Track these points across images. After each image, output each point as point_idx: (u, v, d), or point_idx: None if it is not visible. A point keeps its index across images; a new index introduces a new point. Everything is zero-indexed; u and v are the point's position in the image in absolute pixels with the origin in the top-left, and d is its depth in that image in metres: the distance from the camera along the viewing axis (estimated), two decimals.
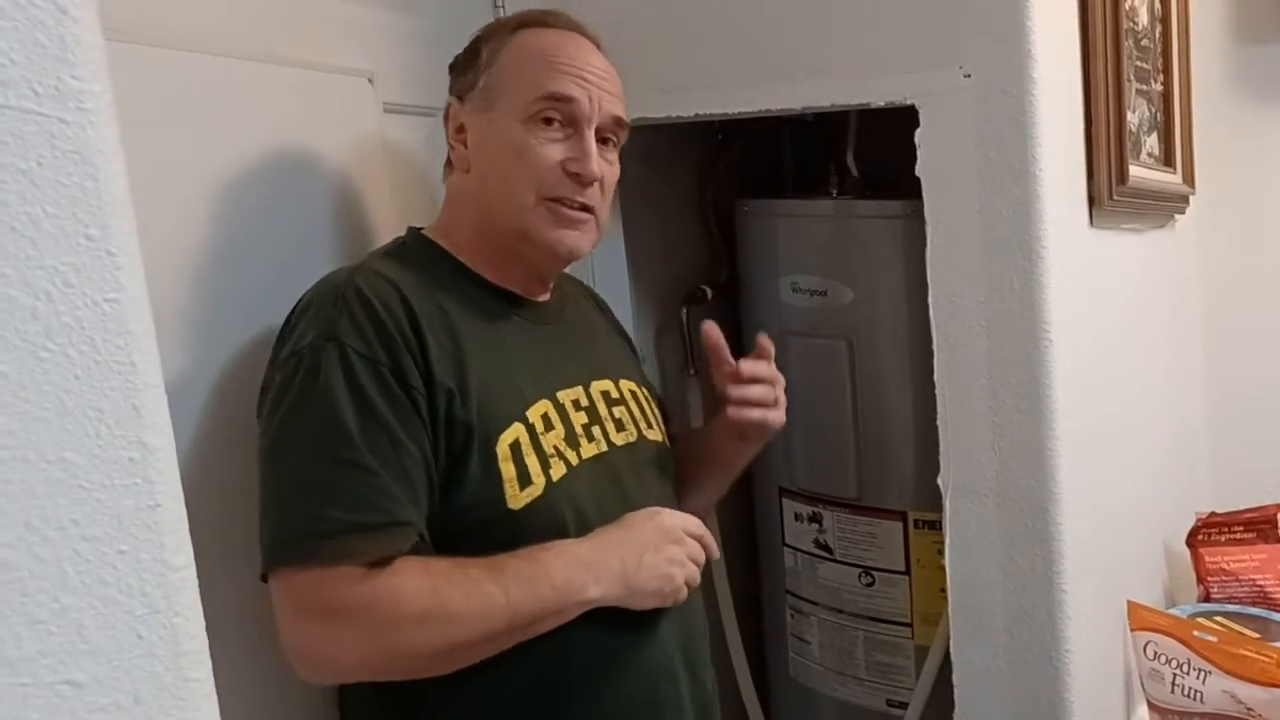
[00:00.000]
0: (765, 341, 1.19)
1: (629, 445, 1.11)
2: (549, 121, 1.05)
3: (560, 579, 0.93)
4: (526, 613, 0.91)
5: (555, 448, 1.01)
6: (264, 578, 0.90)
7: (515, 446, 0.98)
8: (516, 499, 0.96)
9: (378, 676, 0.92)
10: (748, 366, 1.17)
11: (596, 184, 1.06)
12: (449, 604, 0.89)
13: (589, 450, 1.05)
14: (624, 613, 1.00)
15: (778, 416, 1.20)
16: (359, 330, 0.92)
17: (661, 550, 1.00)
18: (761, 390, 1.17)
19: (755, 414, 1.18)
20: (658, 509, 1.05)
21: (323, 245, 1.15)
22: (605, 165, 1.08)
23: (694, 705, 1.08)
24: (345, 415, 0.89)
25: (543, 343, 1.10)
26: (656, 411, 1.21)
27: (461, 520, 0.95)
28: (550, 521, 0.98)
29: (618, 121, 1.09)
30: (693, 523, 1.07)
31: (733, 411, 1.18)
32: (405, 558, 0.89)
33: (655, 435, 1.17)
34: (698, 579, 1.06)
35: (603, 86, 1.07)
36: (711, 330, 1.19)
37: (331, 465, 0.89)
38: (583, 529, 1.00)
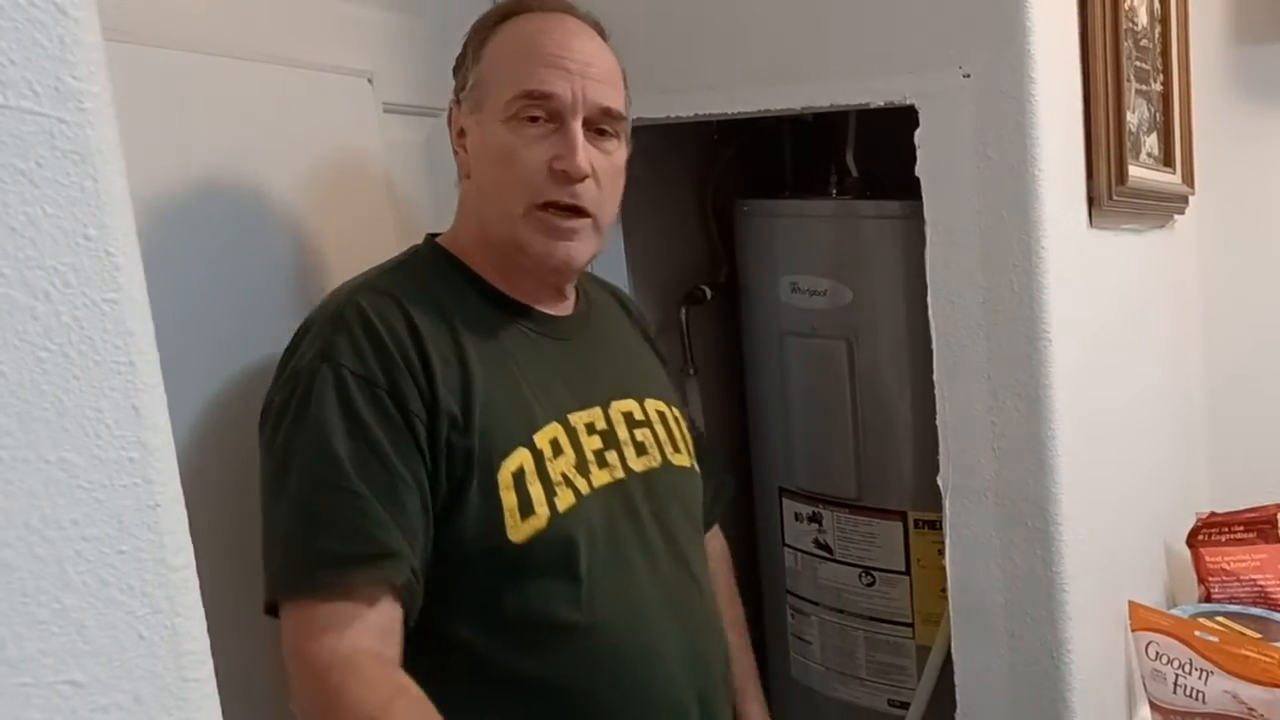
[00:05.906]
0: None
1: (649, 471, 1.04)
2: (533, 118, 0.96)
3: None
4: None
5: (563, 475, 0.95)
6: (270, 610, 0.87)
7: (519, 474, 0.92)
8: (517, 530, 0.91)
9: None
10: None
11: (590, 179, 0.97)
12: None
13: (601, 478, 0.98)
14: (633, 648, 0.95)
15: None
16: (357, 351, 0.89)
17: None
18: None
19: None
20: None
21: (323, 246, 1.15)
22: (599, 156, 0.98)
23: None
24: (336, 440, 0.86)
25: (558, 359, 1.03)
26: (687, 434, 1.14)
27: (462, 552, 0.90)
28: (556, 557, 0.93)
29: (607, 112, 0.99)
30: None
31: None
32: (385, 663, 0.83)
33: (682, 460, 1.09)
34: None
35: (588, 74, 0.97)
36: None
37: (324, 492, 0.86)
38: (594, 564, 0.94)
